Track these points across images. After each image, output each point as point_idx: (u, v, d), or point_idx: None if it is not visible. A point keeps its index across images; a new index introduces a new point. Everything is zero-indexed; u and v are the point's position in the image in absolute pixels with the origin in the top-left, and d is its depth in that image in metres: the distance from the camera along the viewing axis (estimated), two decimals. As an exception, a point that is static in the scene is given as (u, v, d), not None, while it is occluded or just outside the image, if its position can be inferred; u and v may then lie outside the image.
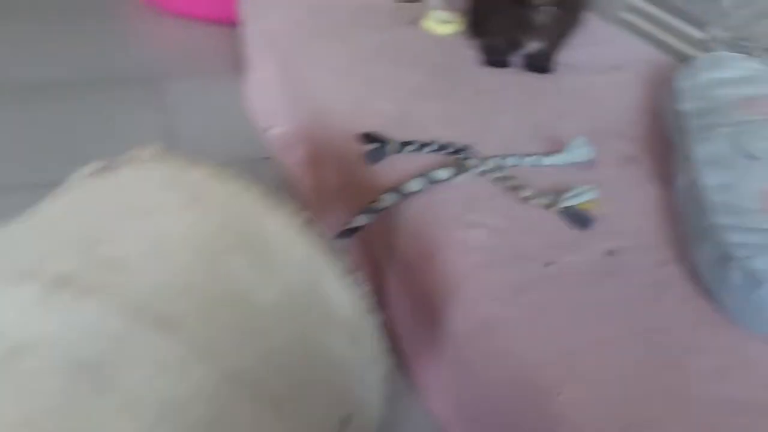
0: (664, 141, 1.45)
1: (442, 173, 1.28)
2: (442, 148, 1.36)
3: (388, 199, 1.23)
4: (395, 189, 1.24)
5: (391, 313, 1.23)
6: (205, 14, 2.42)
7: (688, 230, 1.15)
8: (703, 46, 1.76)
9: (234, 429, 0.60)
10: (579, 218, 1.21)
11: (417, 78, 1.61)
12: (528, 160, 1.36)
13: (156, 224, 0.69)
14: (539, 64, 1.77)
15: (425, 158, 1.33)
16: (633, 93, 1.67)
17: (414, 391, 1.15)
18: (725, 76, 1.49)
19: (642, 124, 1.53)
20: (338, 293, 0.74)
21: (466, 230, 1.14)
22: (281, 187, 1.64)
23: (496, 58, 1.77)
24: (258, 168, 1.71)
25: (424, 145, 1.36)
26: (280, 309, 0.68)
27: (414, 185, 1.26)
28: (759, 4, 1.59)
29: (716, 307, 1.02)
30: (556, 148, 1.39)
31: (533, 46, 1.70)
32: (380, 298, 1.28)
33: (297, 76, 1.69)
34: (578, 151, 1.37)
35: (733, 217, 1.08)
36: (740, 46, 1.66)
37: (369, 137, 1.37)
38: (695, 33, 1.78)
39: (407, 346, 1.18)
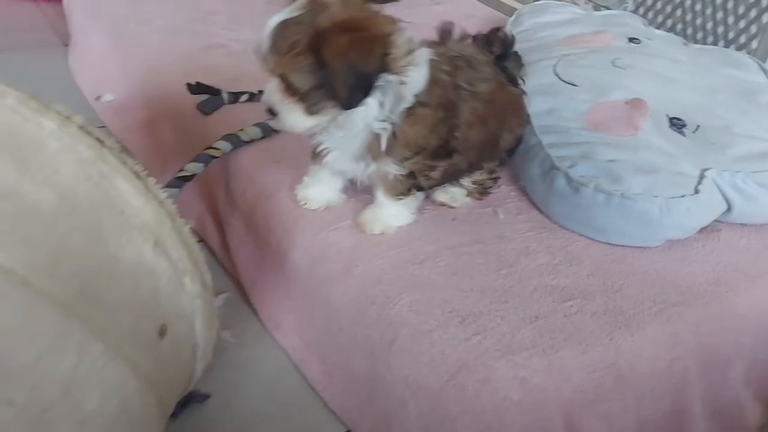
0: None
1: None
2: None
3: (222, 146, 1.18)
4: (231, 136, 1.19)
5: (236, 258, 1.18)
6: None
7: (520, 152, 1.19)
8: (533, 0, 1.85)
9: (15, 330, 0.55)
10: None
11: (251, 35, 1.57)
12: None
13: None
14: None
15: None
16: (469, 45, 1.72)
17: (266, 330, 1.11)
18: (547, 20, 1.57)
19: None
20: (132, 197, 0.68)
21: (304, 170, 1.11)
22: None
23: None
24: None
25: (258, 93, 1.32)
26: (60, 210, 0.62)
27: (252, 132, 1.21)
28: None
29: (545, 216, 1.06)
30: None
31: None
32: (224, 245, 1.23)
33: (127, 39, 1.60)
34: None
35: (557, 136, 1.14)
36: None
37: (198, 87, 1.31)
38: (523, -10, 1.87)
39: (254, 288, 1.14)
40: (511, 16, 1.90)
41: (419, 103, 0.88)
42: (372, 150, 0.90)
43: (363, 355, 0.92)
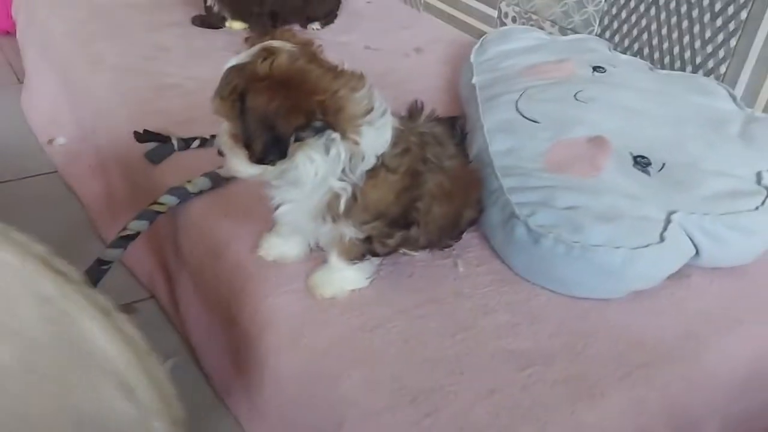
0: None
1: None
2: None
3: (168, 201, 1.12)
4: (178, 189, 1.13)
5: (186, 317, 1.13)
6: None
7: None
8: (498, 23, 1.81)
9: None
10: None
11: (208, 72, 1.51)
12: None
13: None
14: None
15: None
16: (434, 74, 1.67)
17: (218, 398, 1.06)
18: (512, 47, 1.52)
19: (443, 103, 1.53)
20: (97, 337, 0.61)
21: (255, 224, 1.06)
22: (68, 201, 1.48)
23: None
24: (43, 184, 1.54)
25: (210, 139, 1.26)
26: (21, 366, 0.56)
27: (201, 183, 1.15)
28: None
29: (506, 266, 1.01)
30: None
31: None
32: (174, 302, 1.17)
33: (77, 80, 1.54)
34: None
35: (517, 179, 1.09)
36: (529, 20, 1.72)
37: (146, 135, 1.25)
38: (490, 11, 1.82)
39: (203, 350, 1.09)
40: (473, 36, 1.86)
41: (384, 167, 0.84)
42: (331, 210, 0.86)
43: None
